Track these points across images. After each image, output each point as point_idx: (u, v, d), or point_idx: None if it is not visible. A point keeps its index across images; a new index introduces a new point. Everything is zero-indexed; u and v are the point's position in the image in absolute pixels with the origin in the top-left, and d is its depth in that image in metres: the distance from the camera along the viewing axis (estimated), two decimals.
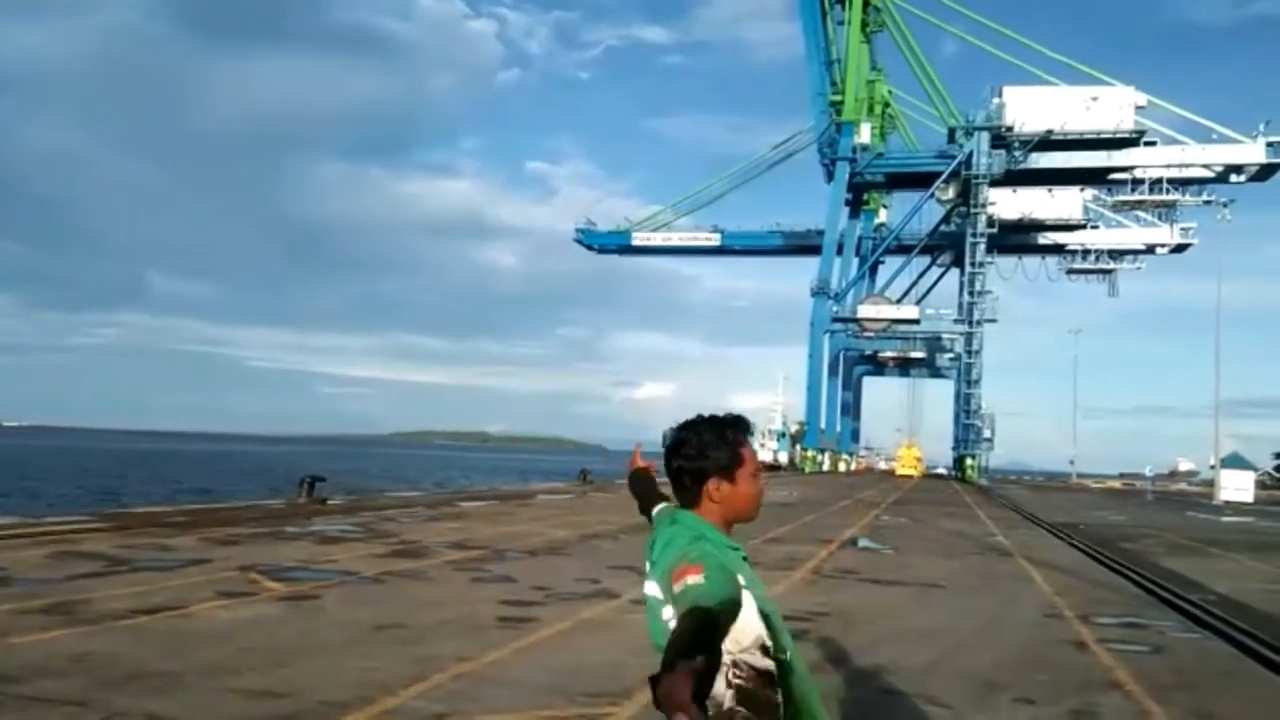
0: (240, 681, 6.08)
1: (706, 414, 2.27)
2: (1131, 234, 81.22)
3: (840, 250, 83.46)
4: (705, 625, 1.87)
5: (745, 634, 2.00)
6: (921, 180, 77.09)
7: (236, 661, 6.54)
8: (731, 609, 1.96)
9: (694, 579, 1.96)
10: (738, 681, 1.95)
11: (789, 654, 2.10)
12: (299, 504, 19.94)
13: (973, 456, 73.38)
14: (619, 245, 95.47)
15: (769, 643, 2.03)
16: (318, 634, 7.59)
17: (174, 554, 11.76)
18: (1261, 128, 69.49)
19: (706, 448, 2.18)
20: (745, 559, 2.15)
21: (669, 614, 2.02)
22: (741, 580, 2.03)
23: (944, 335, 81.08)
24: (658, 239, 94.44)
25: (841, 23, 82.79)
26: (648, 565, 2.22)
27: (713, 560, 2.01)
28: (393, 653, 7.03)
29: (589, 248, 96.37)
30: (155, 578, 9.88)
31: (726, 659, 1.95)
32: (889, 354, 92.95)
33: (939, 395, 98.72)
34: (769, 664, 2.02)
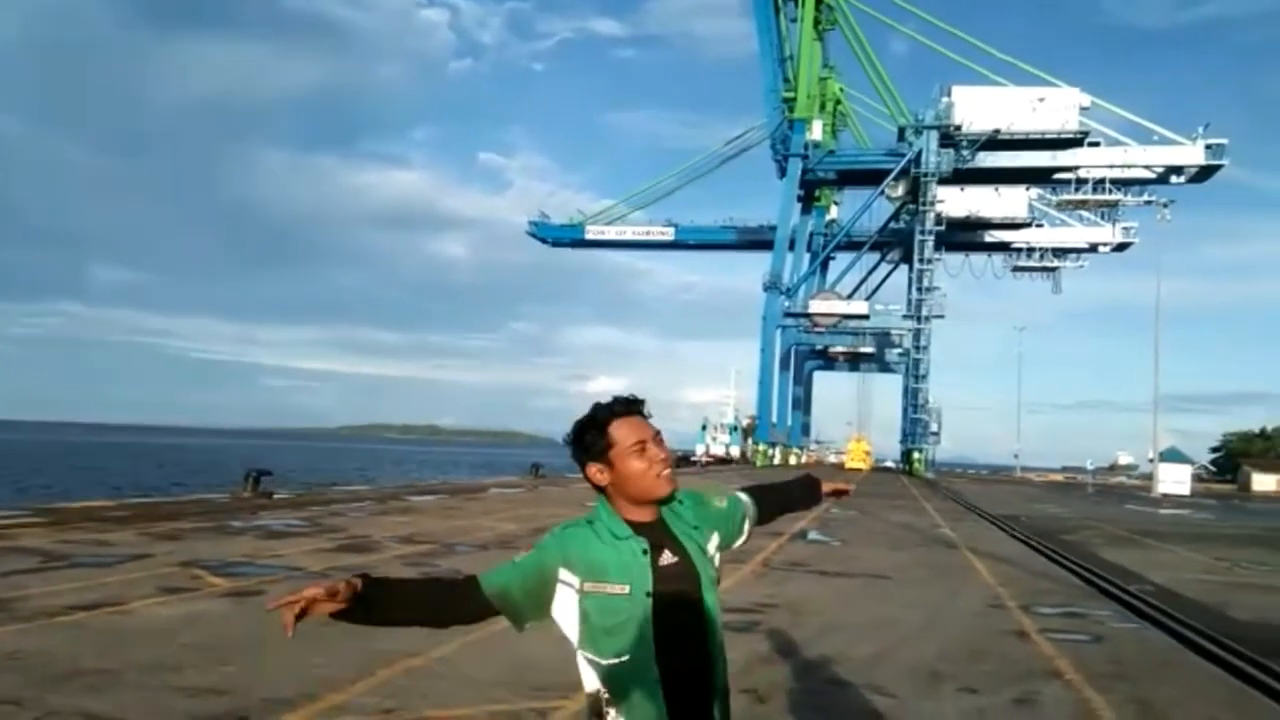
0: (181, 679, 5.96)
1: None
2: (1075, 233, 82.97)
3: (792, 246, 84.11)
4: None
5: (568, 631, 2.17)
6: (872, 177, 78.00)
7: (177, 659, 6.41)
8: (495, 595, 2.19)
9: (521, 554, 2.22)
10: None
11: (621, 659, 2.07)
12: (244, 498, 19.63)
13: (920, 450, 74.54)
14: (572, 239, 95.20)
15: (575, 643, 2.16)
16: (262, 630, 7.46)
17: (114, 549, 11.49)
18: (1200, 130, 71.50)
19: (581, 437, 2.22)
20: (645, 549, 2.13)
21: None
22: (562, 575, 2.13)
23: (893, 331, 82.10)
24: (611, 233, 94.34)
25: (794, 20, 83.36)
26: None
27: (542, 545, 2.20)
28: (339, 649, 6.93)
29: (542, 241, 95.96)
30: (94, 574, 9.65)
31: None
32: (839, 349, 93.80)
33: (888, 390, 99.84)
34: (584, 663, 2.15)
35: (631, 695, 2.04)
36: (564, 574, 2.12)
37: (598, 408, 2.23)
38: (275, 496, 20.48)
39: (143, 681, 5.86)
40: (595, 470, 2.18)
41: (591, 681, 2.09)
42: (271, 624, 7.47)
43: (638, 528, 2.16)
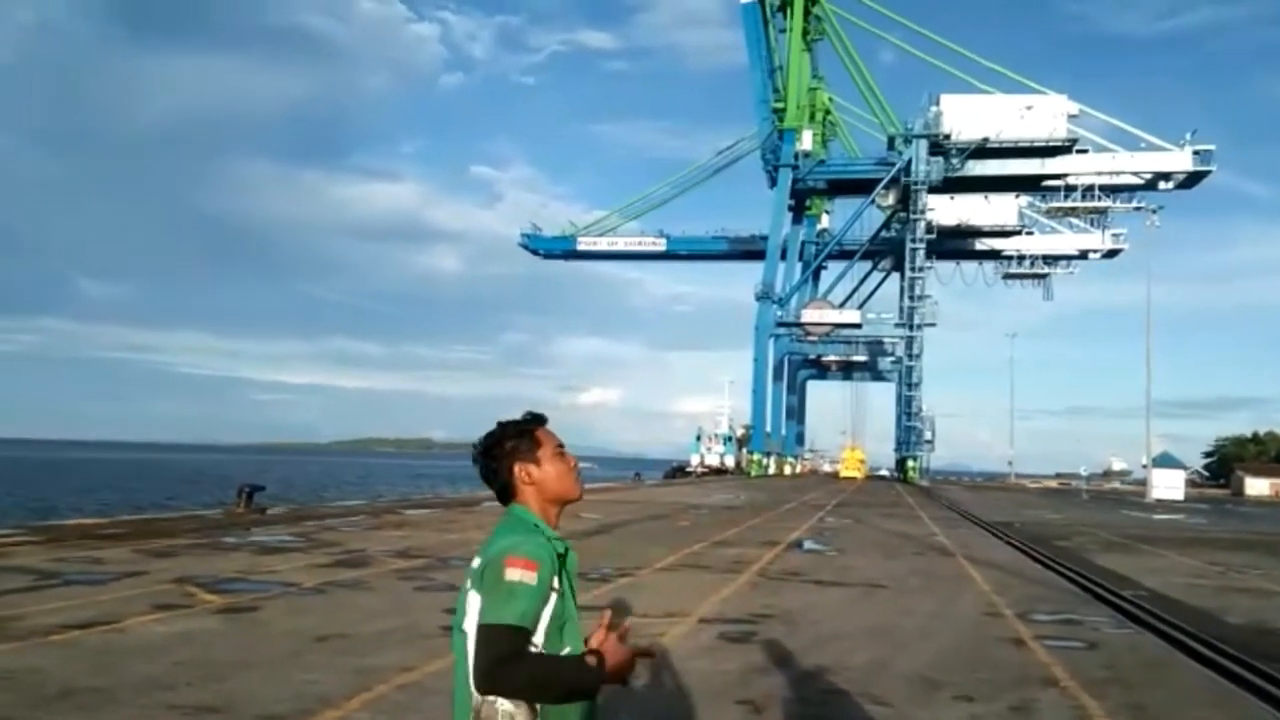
0: (175, 697, 5.93)
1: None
2: (1065, 240, 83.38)
3: (784, 255, 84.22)
4: (512, 658, 2.01)
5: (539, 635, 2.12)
6: (862, 187, 78.23)
7: (171, 676, 6.38)
8: (531, 630, 2.08)
9: (526, 577, 2.07)
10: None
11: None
12: (237, 514, 19.56)
13: (914, 458, 74.62)
14: (564, 250, 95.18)
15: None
16: (256, 647, 7.44)
17: (107, 567, 11.44)
18: (1188, 136, 71.94)
19: (505, 439, 2.33)
20: (564, 551, 2.22)
21: (475, 601, 2.10)
22: (557, 583, 2.14)
23: (885, 339, 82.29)
24: (603, 244, 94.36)
25: (783, 31, 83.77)
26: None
27: (545, 562, 2.11)
28: (334, 664, 6.92)
29: (534, 253, 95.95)
30: (87, 591, 9.61)
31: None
32: (832, 358, 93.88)
33: (881, 398, 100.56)
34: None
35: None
36: (555, 581, 2.16)
37: (519, 419, 2.38)
38: (269, 512, 20.41)
39: (136, 700, 5.83)
40: (524, 470, 2.29)
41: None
42: (266, 641, 7.43)
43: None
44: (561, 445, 2.36)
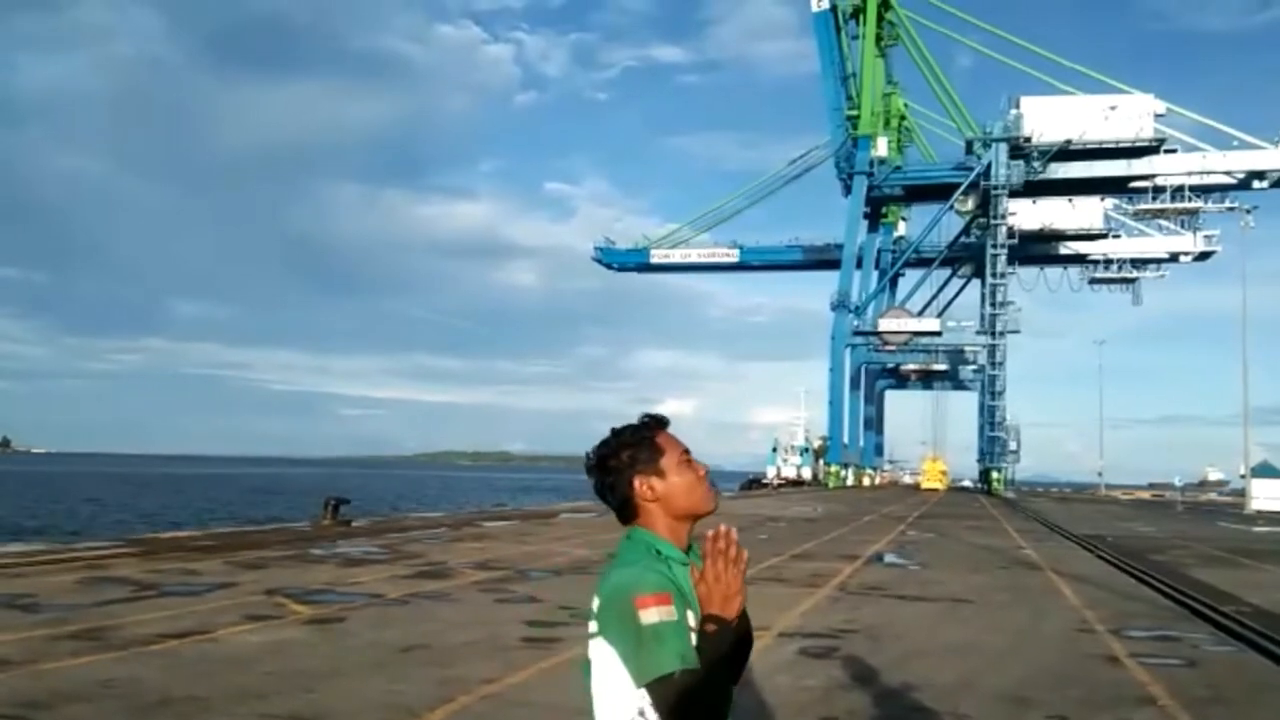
0: (267, 706, 6.09)
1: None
2: (1154, 242, 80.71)
3: (860, 264, 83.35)
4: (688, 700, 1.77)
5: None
6: (940, 192, 76.97)
7: (263, 685, 6.56)
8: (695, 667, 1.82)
9: (665, 614, 1.82)
10: None
11: None
12: (324, 526, 20.04)
13: (998, 469, 72.81)
14: (638, 263, 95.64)
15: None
16: (344, 657, 7.60)
17: (201, 578, 11.82)
18: None
19: (621, 448, 2.03)
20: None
21: (601, 650, 1.88)
22: (691, 618, 1.88)
23: (966, 347, 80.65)
24: (676, 256, 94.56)
25: (856, 38, 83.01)
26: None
27: (674, 591, 1.87)
28: (418, 675, 7.03)
29: (608, 266, 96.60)
30: (182, 602, 9.95)
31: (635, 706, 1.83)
32: (911, 367, 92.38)
33: (963, 408, 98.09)
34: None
35: None
36: (691, 616, 1.90)
37: (637, 424, 2.09)
38: (354, 524, 20.87)
39: (230, 709, 6.01)
40: (645, 485, 2.00)
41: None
42: (353, 651, 7.59)
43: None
44: (688, 451, 2.06)
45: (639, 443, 2.03)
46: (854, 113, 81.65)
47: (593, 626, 1.90)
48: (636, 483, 2.00)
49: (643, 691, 1.81)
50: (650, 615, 1.81)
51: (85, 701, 6.04)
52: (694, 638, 1.86)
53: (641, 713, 1.81)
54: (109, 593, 10.40)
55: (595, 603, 1.92)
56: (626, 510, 2.04)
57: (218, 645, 7.91)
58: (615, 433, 2.07)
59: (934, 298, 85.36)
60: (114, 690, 6.33)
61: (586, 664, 1.93)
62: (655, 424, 2.08)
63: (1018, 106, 71.23)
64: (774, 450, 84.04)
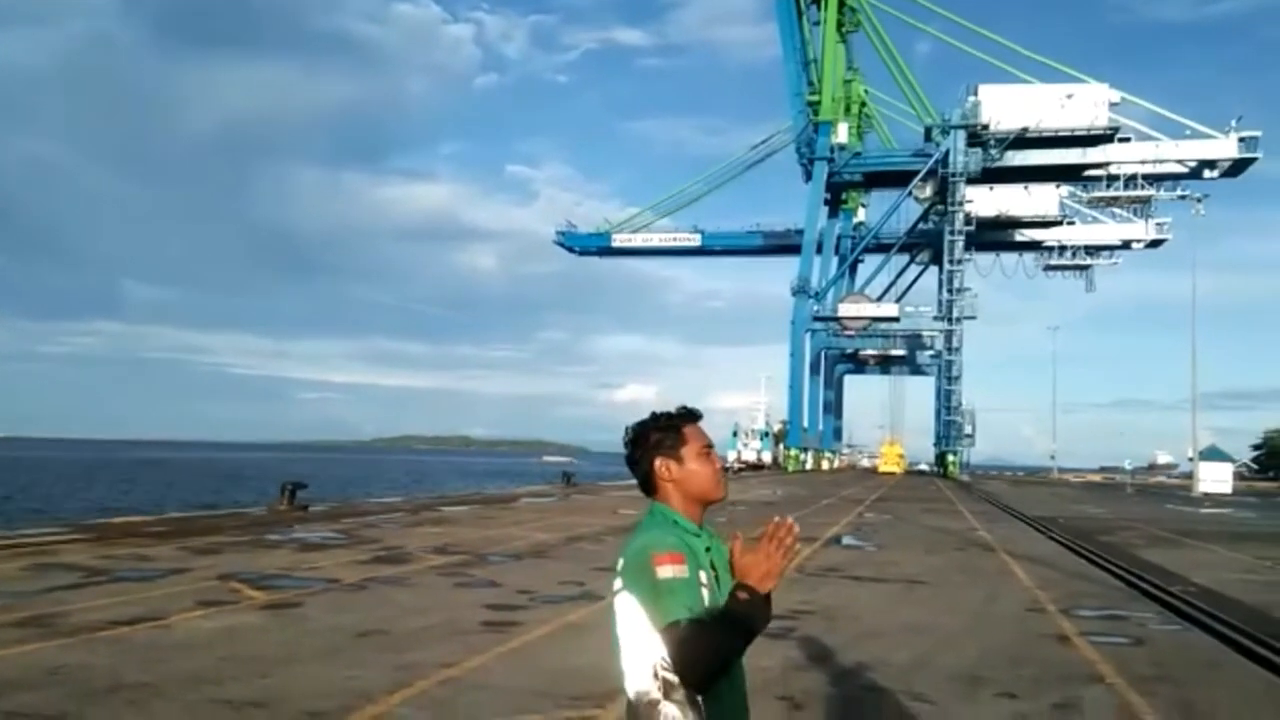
0: (221, 692, 6.02)
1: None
2: (1107, 230, 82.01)
3: (820, 249, 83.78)
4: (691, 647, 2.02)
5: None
6: (899, 179, 77.60)
7: (217, 671, 6.48)
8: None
9: (678, 571, 2.08)
10: (664, 674, 2.08)
11: None
12: (280, 511, 19.81)
13: (954, 453, 73.90)
14: (599, 247, 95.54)
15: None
16: (300, 642, 7.52)
17: (153, 564, 11.64)
18: (1233, 123, 70.51)
19: (651, 431, 2.32)
20: (709, 546, 2.23)
21: (626, 601, 2.14)
22: (703, 577, 2.14)
23: (924, 333, 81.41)
24: (638, 240, 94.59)
25: (817, 23, 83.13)
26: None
27: (688, 553, 2.13)
28: (376, 660, 6.98)
29: (570, 249, 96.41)
30: (134, 588, 9.78)
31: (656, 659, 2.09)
32: (870, 352, 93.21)
33: (920, 392, 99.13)
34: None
35: (720, 685, 2.11)
36: (703, 575, 2.15)
37: (671, 412, 2.37)
38: (311, 509, 20.66)
39: (182, 694, 5.92)
40: (664, 466, 2.28)
41: (654, 689, 2.11)
42: (309, 636, 7.51)
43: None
44: (710, 446, 2.34)
45: (667, 429, 2.32)
46: (815, 98, 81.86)
47: (617, 584, 2.18)
48: (657, 463, 2.30)
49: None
50: (665, 571, 2.08)
51: (32, 690, 5.91)
52: (707, 595, 2.11)
53: (664, 657, 2.07)
54: (58, 579, 10.19)
55: (620, 563, 2.19)
56: (648, 485, 2.33)
57: (170, 631, 7.79)
58: (653, 417, 2.36)
59: (893, 283, 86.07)
60: (62, 677, 6.21)
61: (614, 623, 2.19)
62: (687, 416, 2.36)
63: (976, 94, 71.96)
64: (734, 435, 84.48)
